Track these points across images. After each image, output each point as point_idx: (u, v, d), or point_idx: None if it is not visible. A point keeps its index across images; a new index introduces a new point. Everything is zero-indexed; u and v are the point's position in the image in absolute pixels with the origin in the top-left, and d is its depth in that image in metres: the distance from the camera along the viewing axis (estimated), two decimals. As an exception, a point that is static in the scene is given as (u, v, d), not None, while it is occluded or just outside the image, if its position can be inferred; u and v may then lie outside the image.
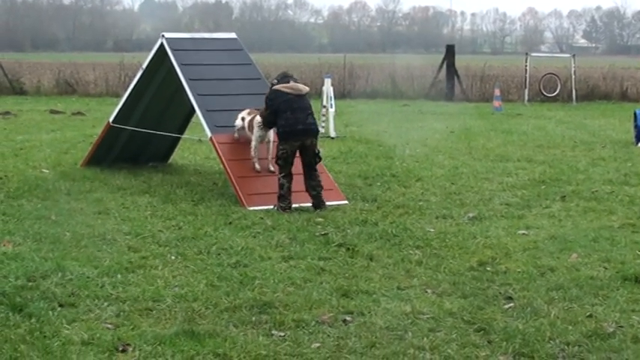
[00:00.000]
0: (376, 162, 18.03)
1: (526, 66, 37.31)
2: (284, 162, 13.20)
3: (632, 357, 7.37)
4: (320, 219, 12.52)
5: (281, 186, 13.13)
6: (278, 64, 39.00)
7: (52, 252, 10.41)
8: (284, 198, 13.15)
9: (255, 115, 14.03)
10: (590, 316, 8.40)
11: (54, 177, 15.70)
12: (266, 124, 13.72)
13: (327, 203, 13.44)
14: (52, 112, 29.11)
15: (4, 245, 10.67)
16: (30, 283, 9.08)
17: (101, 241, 11.03)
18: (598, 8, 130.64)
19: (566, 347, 7.59)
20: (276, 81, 13.67)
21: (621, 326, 8.12)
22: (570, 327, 8.08)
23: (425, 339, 7.72)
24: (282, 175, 13.23)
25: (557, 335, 7.86)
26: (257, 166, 14.09)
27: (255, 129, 13.99)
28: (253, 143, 14.07)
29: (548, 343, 7.68)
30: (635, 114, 22.92)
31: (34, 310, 8.23)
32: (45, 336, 7.57)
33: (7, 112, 28.33)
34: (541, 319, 8.32)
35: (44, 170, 16.41)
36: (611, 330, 8.02)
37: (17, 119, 26.62)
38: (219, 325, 7.93)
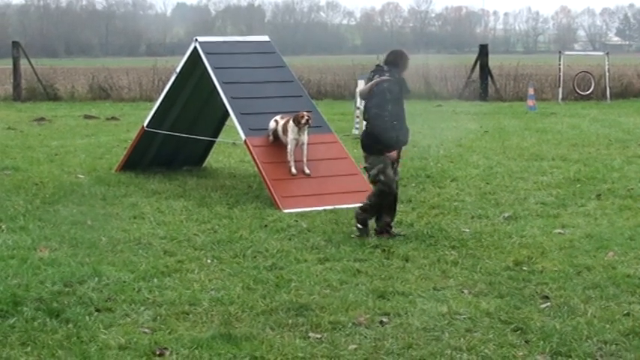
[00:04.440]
0: (410, 163, 18.00)
1: (560, 65, 37.13)
2: None
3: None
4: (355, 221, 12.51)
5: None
6: (311, 66, 39.13)
7: (89, 257, 10.46)
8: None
9: (289, 119, 14.06)
10: (628, 314, 8.37)
11: (89, 182, 15.78)
12: None
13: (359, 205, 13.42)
14: (87, 117, 29.25)
15: (41, 251, 10.73)
16: (67, 289, 9.12)
17: (137, 246, 11.08)
18: (631, 6, 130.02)
19: (603, 346, 7.56)
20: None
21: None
22: (607, 325, 8.05)
23: (462, 339, 7.71)
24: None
25: (595, 334, 7.83)
26: (293, 169, 14.09)
27: (290, 132, 14.03)
28: (289, 146, 14.10)
29: (585, 342, 7.65)
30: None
31: (71, 315, 8.27)
32: (82, 341, 7.61)
33: (42, 118, 28.48)
34: (578, 317, 8.30)
35: (79, 175, 16.50)
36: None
37: (52, 125, 26.77)
38: (255, 328, 7.95)
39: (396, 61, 11.51)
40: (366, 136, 11.61)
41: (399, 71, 11.49)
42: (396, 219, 11.95)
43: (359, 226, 11.59)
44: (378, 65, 11.73)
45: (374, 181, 11.50)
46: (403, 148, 11.93)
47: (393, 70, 11.40)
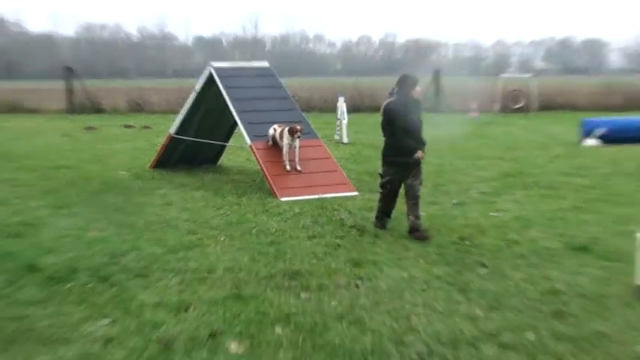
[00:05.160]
0: (379, 162, 18.01)
1: (497, 84, 37.25)
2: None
3: (577, 309, 7.45)
4: (336, 207, 12.59)
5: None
6: (302, 86, 39.00)
7: (129, 235, 10.54)
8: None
9: (284, 128, 14.15)
10: (546, 278, 8.48)
11: (128, 177, 15.83)
12: None
13: (340, 195, 13.49)
14: (125, 126, 29.27)
15: (91, 231, 10.80)
16: (112, 260, 9.21)
17: (166, 226, 11.16)
18: (552, 38, 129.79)
19: (526, 301, 7.69)
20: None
21: (569, 285, 8.22)
22: (530, 286, 8.18)
23: (418, 297, 7.83)
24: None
25: (520, 293, 7.96)
26: (287, 167, 14.15)
27: (285, 138, 14.12)
28: (284, 149, 14.17)
29: (513, 298, 7.78)
30: (582, 121, 22.99)
31: (116, 280, 8.37)
32: (124, 300, 7.71)
33: (91, 127, 28.49)
34: (508, 280, 8.42)
35: (120, 172, 16.54)
36: (562, 288, 8.12)
37: (98, 133, 26.75)
38: (259, 290, 8.04)
39: (400, 83, 10.73)
40: (383, 149, 10.89)
41: (405, 92, 10.67)
42: (366, 204, 11.98)
43: (377, 223, 11.14)
44: (393, 88, 10.89)
45: (381, 186, 11.00)
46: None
47: (399, 92, 10.69)
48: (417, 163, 10.69)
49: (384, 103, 10.76)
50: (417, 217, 10.63)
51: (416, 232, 10.49)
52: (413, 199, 10.70)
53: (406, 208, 10.78)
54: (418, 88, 10.75)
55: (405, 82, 10.69)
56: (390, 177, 10.75)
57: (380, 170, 11.03)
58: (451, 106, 36.66)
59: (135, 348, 6.39)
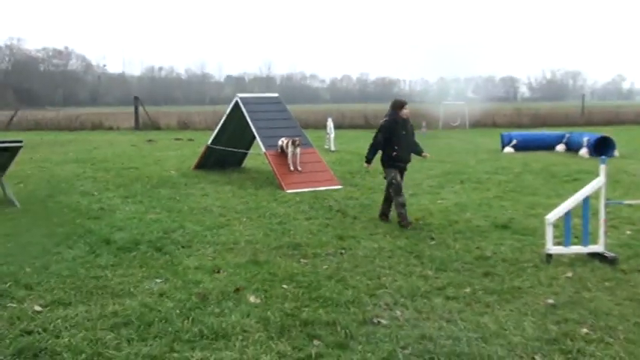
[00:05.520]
0: (357, 164, 17.94)
1: (440, 109, 37.21)
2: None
3: (501, 270, 7.36)
4: (326, 196, 12.48)
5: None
6: (302, 111, 38.94)
7: (177, 217, 10.41)
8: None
9: (289, 140, 14.07)
10: (478, 247, 8.38)
11: (177, 176, 15.69)
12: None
13: (329, 188, 13.37)
14: (176, 139, 29.03)
15: (150, 214, 10.68)
16: (165, 235, 9.09)
17: (204, 211, 11.01)
18: (480, 76, 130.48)
19: (464, 264, 7.59)
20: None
21: (495, 252, 8.12)
22: (467, 254, 8.08)
23: (385, 262, 7.73)
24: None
25: (460, 258, 7.87)
26: (291, 167, 14.01)
27: (289, 147, 14.04)
28: (289, 155, 14.07)
29: (454, 262, 7.67)
30: (501, 135, 22.97)
31: (168, 250, 8.27)
32: (174, 264, 7.61)
33: (151, 140, 28.31)
34: (450, 249, 8.32)
35: (172, 172, 16.40)
36: (489, 255, 8.01)
37: (156, 144, 26.62)
38: (270, 257, 7.93)
39: (392, 106, 10.08)
40: (381, 158, 10.07)
41: (396, 113, 9.96)
42: (347, 194, 11.90)
43: (405, 225, 9.64)
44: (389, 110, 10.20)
45: (390, 183, 9.94)
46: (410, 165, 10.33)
47: (391, 113, 10.01)
48: (405, 170, 10.15)
49: (381, 121, 10.17)
50: (397, 206, 9.88)
51: (402, 221, 9.81)
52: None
53: (383, 200, 10.39)
54: (406, 110, 10.05)
55: (395, 105, 10.09)
56: (393, 174, 9.91)
57: (384, 175, 10.13)
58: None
59: (181, 299, 6.28)
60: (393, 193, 9.94)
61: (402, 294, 6.48)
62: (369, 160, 10.15)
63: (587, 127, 33.78)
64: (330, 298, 6.32)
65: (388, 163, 10.02)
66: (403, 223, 9.70)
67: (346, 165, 17.79)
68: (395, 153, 9.91)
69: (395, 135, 9.89)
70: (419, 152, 10.32)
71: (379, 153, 10.03)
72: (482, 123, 38.50)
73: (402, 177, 10.09)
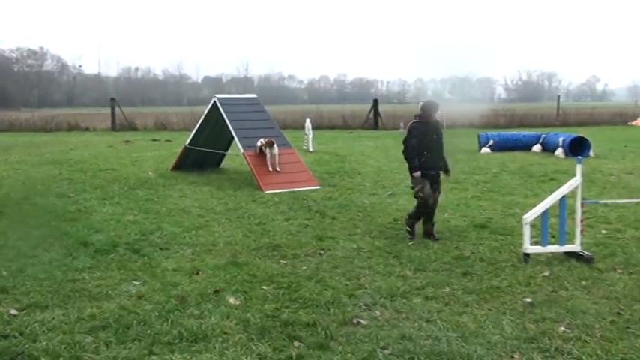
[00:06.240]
0: (335, 165, 17.99)
1: (418, 110, 37.33)
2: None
3: (479, 269, 7.41)
4: (305, 197, 12.47)
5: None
6: (280, 111, 38.88)
7: (155, 219, 10.34)
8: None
9: (267, 141, 14.05)
10: (456, 247, 8.43)
11: (155, 177, 15.57)
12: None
13: (308, 189, 13.36)
14: (153, 140, 28.78)
15: (128, 216, 10.59)
16: (143, 237, 9.04)
17: (183, 212, 10.95)
18: (456, 76, 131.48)
19: (443, 264, 7.62)
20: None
21: (473, 252, 8.17)
22: (445, 253, 8.12)
23: (365, 262, 7.75)
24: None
25: (438, 258, 7.90)
26: (270, 168, 13.98)
27: (267, 148, 14.02)
28: (267, 156, 14.05)
29: (433, 262, 7.71)
30: (478, 135, 23.11)
31: (146, 252, 8.23)
32: (152, 266, 7.57)
33: (128, 141, 28.06)
34: (429, 249, 8.36)
35: (149, 173, 16.28)
36: (468, 254, 8.06)
37: (133, 145, 26.39)
38: (250, 258, 7.91)
39: (424, 108, 9.10)
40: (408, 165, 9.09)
41: (427, 116, 8.99)
42: (326, 195, 11.89)
43: (408, 229, 9.11)
44: (417, 113, 9.24)
45: (416, 196, 9.05)
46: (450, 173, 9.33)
47: (422, 115, 9.03)
48: (437, 177, 9.10)
49: (410, 123, 9.19)
50: (410, 217, 9.14)
51: (407, 228, 9.15)
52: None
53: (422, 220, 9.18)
54: (438, 112, 9.22)
55: (427, 108, 9.09)
56: (420, 186, 8.93)
57: (410, 184, 9.25)
58: (386, 125, 36.71)
59: (159, 302, 6.24)
60: (415, 208, 9.12)
61: (382, 294, 6.50)
62: (415, 168, 8.94)
63: (562, 127, 34.13)
64: (310, 298, 6.32)
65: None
66: (409, 230, 9.09)
67: (325, 165, 17.79)
68: (424, 159, 8.91)
69: (426, 138, 8.95)
70: (444, 168, 9.19)
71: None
72: (459, 124, 38.73)
73: (433, 186, 9.04)
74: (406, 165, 9.23)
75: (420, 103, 9.42)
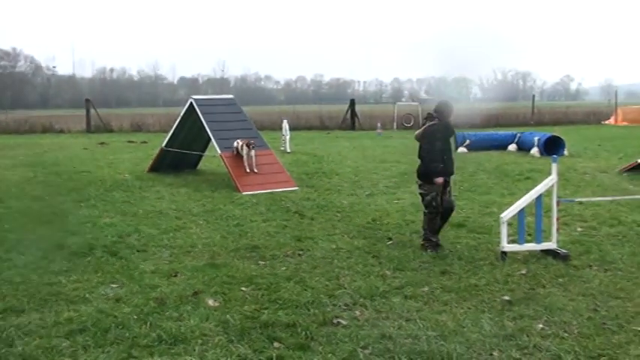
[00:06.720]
0: (313, 165, 18.00)
1: (394, 109, 37.49)
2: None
3: (458, 268, 7.44)
4: (283, 198, 12.45)
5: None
6: (257, 112, 38.80)
7: (132, 221, 10.27)
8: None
9: (244, 142, 14.01)
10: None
11: (131, 179, 15.45)
12: None
13: (286, 190, 13.35)
14: (129, 142, 28.55)
15: (105, 219, 10.50)
16: (120, 239, 8.97)
17: (160, 214, 10.89)
18: (433, 77, 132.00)
19: (422, 264, 7.64)
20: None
21: (451, 251, 8.21)
22: (424, 253, 8.14)
23: (344, 262, 7.75)
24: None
25: (417, 257, 7.93)
26: (247, 169, 13.95)
27: (244, 149, 13.99)
28: (244, 157, 14.01)
29: (412, 262, 7.74)
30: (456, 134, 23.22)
31: (123, 254, 8.16)
32: (129, 269, 7.50)
33: (103, 142, 27.82)
34: (408, 249, 8.39)
35: (125, 175, 16.16)
36: (446, 253, 8.09)
37: (109, 146, 26.19)
38: (228, 259, 7.88)
39: (441, 110, 8.43)
40: (422, 168, 8.48)
41: (445, 117, 8.41)
42: (304, 196, 11.87)
43: (428, 245, 8.32)
44: (429, 113, 8.58)
45: (427, 205, 8.41)
46: (452, 176, 8.73)
47: (440, 117, 8.41)
48: (448, 183, 8.57)
49: (427, 125, 8.48)
50: (427, 234, 8.45)
51: (428, 248, 8.34)
52: (447, 213, 8.60)
53: (424, 219, 8.58)
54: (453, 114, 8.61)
55: (446, 109, 8.47)
56: (434, 193, 8.38)
57: (420, 190, 8.58)
58: (363, 126, 36.78)
59: (137, 304, 6.18)
60: (428, 215, 8.45)
61: (361, 294, 6.50)
62: (439, 172, 8.39)
63: (537, 127, 34.46)
64: (290, 299, 6.30)
65: (431, 177, 8.41)
66: (427, 244, 8.35)
67: (302, 166, 17.79)
68: (442, 165, 8.39)
69: (446, 143, 8.44)
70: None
71: (417, 163, 8.64)
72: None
73: (446, 191, 8.49)
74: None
75: (437, 103, 8.75)
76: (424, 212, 8.54)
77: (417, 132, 8.62)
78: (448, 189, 8.53)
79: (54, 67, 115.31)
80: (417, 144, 8.64)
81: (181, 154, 16.27)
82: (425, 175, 8.44)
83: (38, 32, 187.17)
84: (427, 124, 8.48)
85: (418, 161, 8.55)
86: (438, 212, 8.43)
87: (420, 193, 8.55)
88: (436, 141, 8.33)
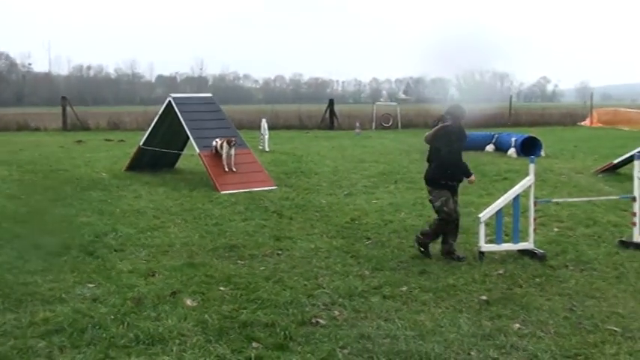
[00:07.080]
0: (292, 164, 17.97)
1: (373, 109, 37.58)
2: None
3: (436, 268, 7.47)
4: (262, 197, 12.43)
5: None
6: (235, 111, 38.67)
7: (109, 220, 10.18)
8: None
9: (224, 141, 13.97)
10: (413, 246, 8.45)
11: (108, 177, 15.32)
12: None
13: (264, 189, 13.33)
14: (106, 140, 28.31)
15: (81, 218, 10.40)
16: (97, 239, 8.89)
17: (137, 213, 10.81)
18: (411, 77, 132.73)
19: (400, 263, 7.68)
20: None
21: (430, 251, 8.23)
22: (402, 253, 8.19)
23: (323, 262, 7.76)
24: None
25: (395, 257, 7.96)
26: (226, 168, 13.91)
27: (224, 148, 13.94)
28: (224, 156, 13.97)
29: (390, 262, 7.76)
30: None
31: (100, 254, 8.09)
32: (106, 269, 7.44)
33: (80, 141, 27.53)
34: (386, 249, 8.41)
35: (102, 174, 16.02)
36: (432, 253, 8.11)
37: (86, 144, 25.93)
38: (207, 259, 7.85)
39: (454, 112, 8.02)
40: (431, 173, 8.13)
41: (457, 119, 8.01)
42: (283, 195, 11.86)
43: (421, 249, 8.11)
44: (442, 115, 8.09)
45: (438, 211, 8.06)
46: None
47: (453, 119, 7.96)
48: (457, 188, 8.25)
49: (440, 126, 7.99)
50: (426, 234, 8.17)
51: (421, 247, 8.16)
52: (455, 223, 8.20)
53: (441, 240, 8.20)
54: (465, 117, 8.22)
55: (459, 111, 8.08)
56: (444, 198, 8.02)
57: (429, 197, 8.25)
58: (342, 125, 36.82)
59: (115, 304, 6.14)
60: (437, 224, 8.12)
61: (340, 294, 6.51)
62: (468, 173, 8.17)
63: (514, 127, 34.76)
64: (268, 299, 6.29)
65: (440, 182, 8.08)
66: (423, 250, 8.14)
67: (281, 165, 17.76)
68: (450, 171, 8.11)
69: (459, 145, 8.15)
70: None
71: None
72: (413, 124, 39.12)
73: (454, 197, 8.16)
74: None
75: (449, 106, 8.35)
76: (435, 219, 8.18)
77: (427, 134, 8.13)
78: (456, 198, 8.18)
79: (29, 64, 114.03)
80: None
81: (159, 152, 16.17)
82: (432, 181, 8.12)
83: (13, 29, 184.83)
84: (439, 125, 8.01)
85: (426, 164, 8.22)
86: (451, 218, 8.02)
87: (430, 200, 8.25)
88: (453, 142, 7.98)
